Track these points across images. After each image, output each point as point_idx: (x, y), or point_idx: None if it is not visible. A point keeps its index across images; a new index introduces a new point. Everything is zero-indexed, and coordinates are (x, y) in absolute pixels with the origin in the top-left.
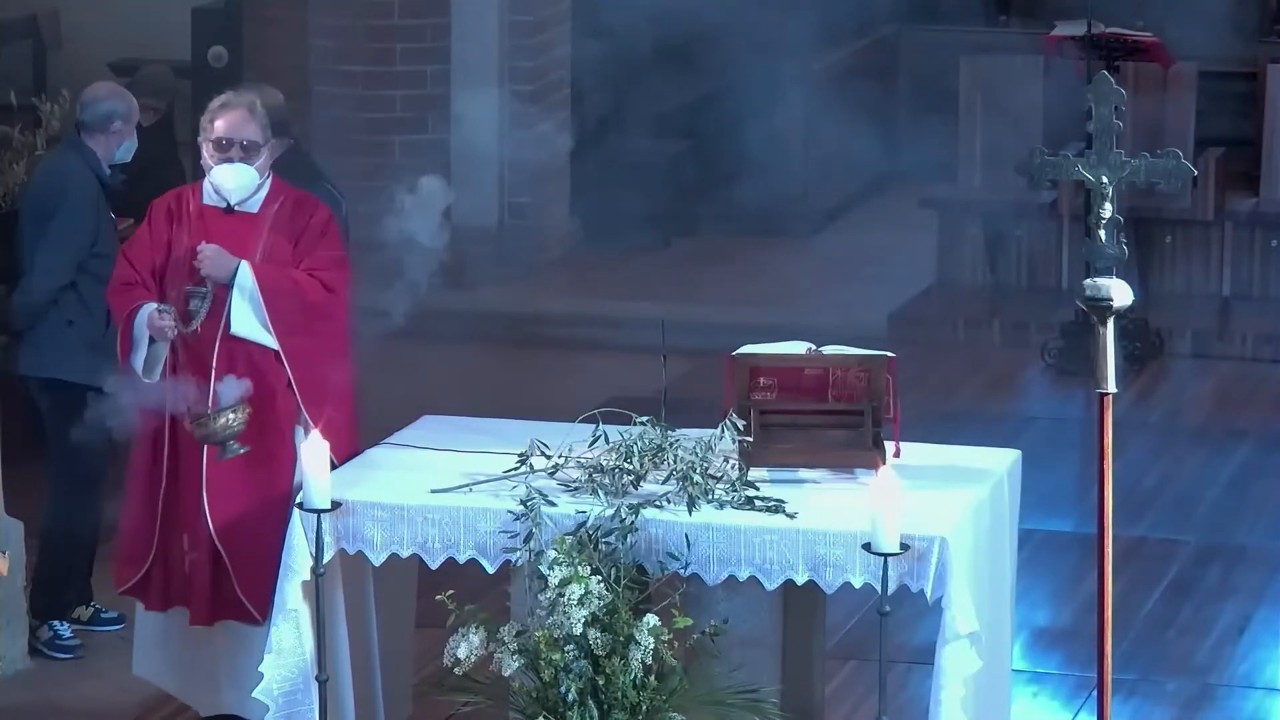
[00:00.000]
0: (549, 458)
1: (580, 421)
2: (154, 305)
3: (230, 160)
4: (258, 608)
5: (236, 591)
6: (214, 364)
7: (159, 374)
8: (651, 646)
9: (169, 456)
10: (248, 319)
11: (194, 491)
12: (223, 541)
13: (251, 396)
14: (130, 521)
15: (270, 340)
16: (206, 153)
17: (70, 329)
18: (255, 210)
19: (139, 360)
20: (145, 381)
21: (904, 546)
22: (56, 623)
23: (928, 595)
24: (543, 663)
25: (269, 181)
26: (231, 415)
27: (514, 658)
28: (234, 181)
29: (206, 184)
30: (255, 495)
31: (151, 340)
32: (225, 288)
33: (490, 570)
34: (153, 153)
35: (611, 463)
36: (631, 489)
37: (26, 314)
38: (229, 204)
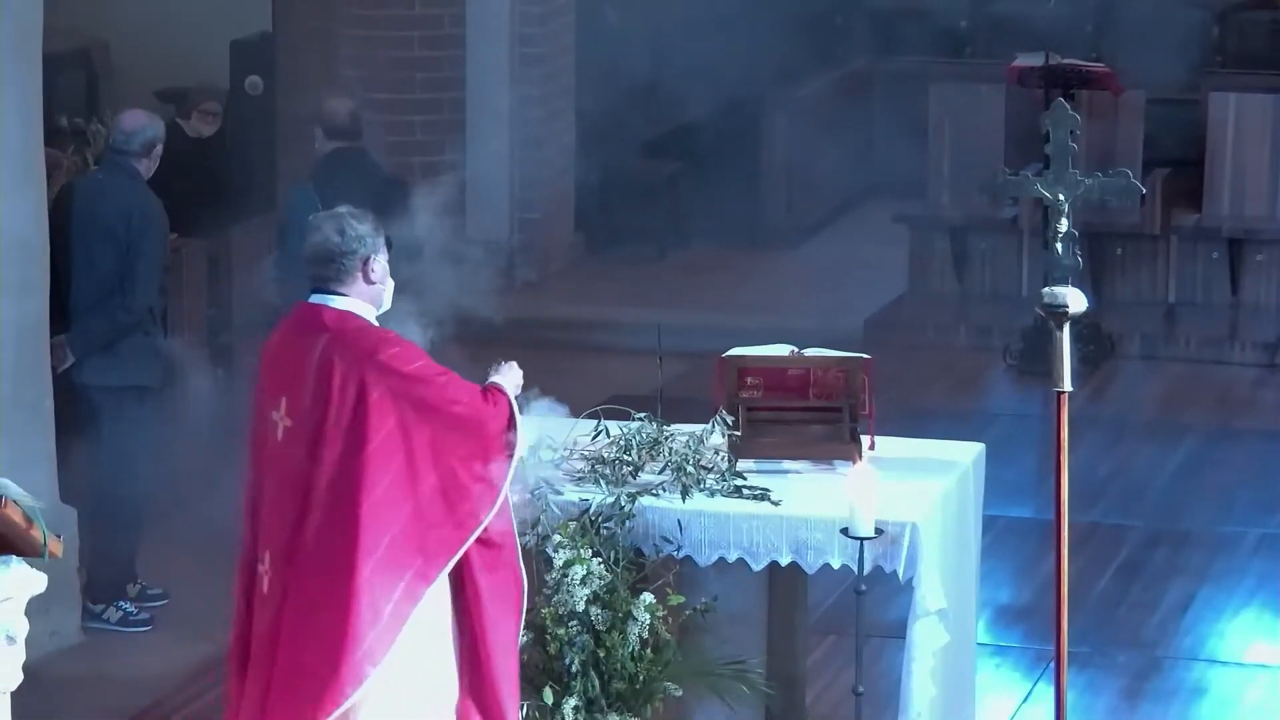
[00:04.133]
0: (555, 450)
1: (584, 417)
2: None
3: None
4: None
5: None
6: None
7: None
8: (648, 622)
9: None
10: None
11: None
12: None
13: None
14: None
15: None
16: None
17: (147, 339)
18: None
19: None
20: None
21: (879, 531)
22: (123, 602)
23: (900, 576)
24: (549, 637)
25: None
26: None
27: (522, 633)
28: None
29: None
30: None
31: None
32: None
33: None
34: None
35: (612, 455)
36: (630, 479)
37: (127, 330)
38: None
